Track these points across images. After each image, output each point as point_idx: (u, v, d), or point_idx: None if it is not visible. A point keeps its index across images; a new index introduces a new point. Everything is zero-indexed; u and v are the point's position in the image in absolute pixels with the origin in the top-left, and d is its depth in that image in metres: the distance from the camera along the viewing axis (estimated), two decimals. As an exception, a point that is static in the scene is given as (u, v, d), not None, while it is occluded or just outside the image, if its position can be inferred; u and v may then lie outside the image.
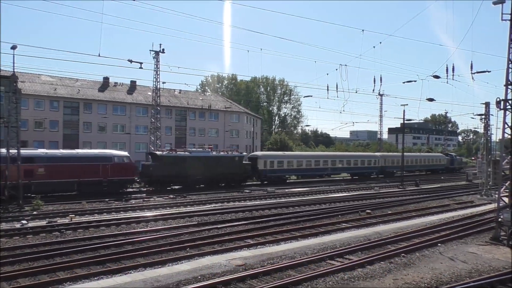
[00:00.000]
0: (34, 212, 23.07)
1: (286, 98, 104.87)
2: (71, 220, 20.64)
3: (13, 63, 25.82)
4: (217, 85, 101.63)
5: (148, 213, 23.37)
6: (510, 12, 16.77)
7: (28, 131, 48.40)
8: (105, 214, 23.54)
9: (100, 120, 55.24)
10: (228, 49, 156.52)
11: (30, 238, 17.15)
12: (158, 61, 43.21)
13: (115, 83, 61.01)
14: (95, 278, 11.87)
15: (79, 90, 54.93)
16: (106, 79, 60.05)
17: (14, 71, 26.36)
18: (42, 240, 16.75)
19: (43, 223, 20.06)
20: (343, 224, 20.75)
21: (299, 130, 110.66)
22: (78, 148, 50.26)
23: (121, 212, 24.13)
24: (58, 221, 20.55)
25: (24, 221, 19.97)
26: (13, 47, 25.26)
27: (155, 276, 11.96)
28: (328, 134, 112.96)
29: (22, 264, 13.22)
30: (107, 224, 19.94)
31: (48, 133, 51.21)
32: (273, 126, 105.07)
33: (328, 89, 31.25)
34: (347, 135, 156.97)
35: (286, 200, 30.44)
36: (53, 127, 51.96)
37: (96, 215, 23.12)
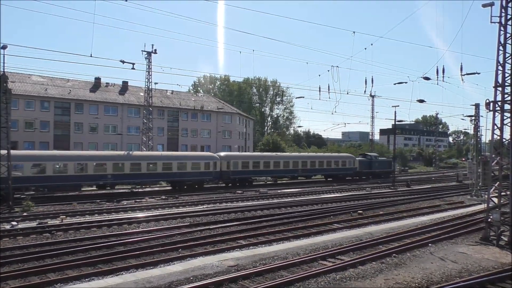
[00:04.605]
0: (24, 213, 22.84)
1: (278, 99, 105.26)
2: (62, 221, 20.49)
3: (3, 63, 25.65)
4: (210, 86, 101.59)
5: (140, 214, 23.25)
6: (499, 15, 17.01)
7: (18, 132, 47.95)
8: (96, 215, 23.39)
9: (91, 120, 54.89)
10: (220, 50, 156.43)
11: (20, 240, 16.98)
12: (150, 62, 43.07)
13: (106, 83, 60.68)
14: (86, 279, 11.79)
15: (70, 90, 54.52)
16: (97, 79, 59.70)
17: (4, 71, 26.11)
18: (32, 241, 16.59)
19: (33, 224, 19.89)
20: (335, 224, 20.83)
21: (292, 131, 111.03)
22: (69, 149, 50.03)
23: (113, 213, 24.00)
24: (49, 222, 20.38)
25: (14, 222, 19.75)
26: (3, 47, 25.06)
27: (146, 277, 11.91)
28: (320, 135, 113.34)
29: (12, 265, 13.08)
30: (99, 225, 19.83)
31: (38, 134, 50.77)
32: (266, 127, 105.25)
33: (320, 90, 31.43)
34: (339, 136, 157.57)
35: (278, 201, 30.49)
36: (43, 127, 51.55)
37: (87, 216, 22.96)
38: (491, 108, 17.48)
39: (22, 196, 27.24)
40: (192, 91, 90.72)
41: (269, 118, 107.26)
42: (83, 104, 54.89)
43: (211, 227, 19.55)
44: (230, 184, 41.19)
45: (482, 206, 23.01)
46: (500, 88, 17.20)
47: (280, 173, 45.99)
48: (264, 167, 43.59)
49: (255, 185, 42.37)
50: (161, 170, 35.54)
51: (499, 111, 17.27)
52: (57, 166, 30.73)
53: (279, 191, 37.30)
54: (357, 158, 54.15)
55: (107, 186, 34.06)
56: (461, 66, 22.59)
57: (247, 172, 42.13)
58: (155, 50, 42.63)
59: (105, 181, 33.11)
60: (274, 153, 50.93)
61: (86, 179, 32.13)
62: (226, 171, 40.01)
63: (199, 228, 19.18)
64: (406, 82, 32.13)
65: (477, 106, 37.12)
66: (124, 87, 62.51)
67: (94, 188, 36.51)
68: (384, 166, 57.21)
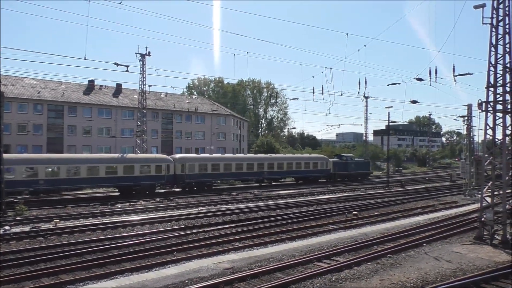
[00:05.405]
0: (17, 218, 22.65)
1: (272, 101, 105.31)
2: (56, 225, 20.35)
3: (-5, 65, 25.34)
4: (204, 88, 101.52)
5: (135, 217, 23.14)
6: (490, 16, 17.17)
7: (11, 135, 47.55)
8: (90, 218, 23.26)
9: (85, 123, 54.60)
10: (215, 52, 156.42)
11: (14, 244, 16.82)
12: (144, 64, 42.92)
13: (100, 86, 60.46)
14: (81, 283, 11.71)
15: (63, 93, 54.22)
16: (91, 82, 59.45)
17: (-4, 74, 25.88)
18: (25, 246, 16.45)
19: (26, 228, 19.72)
20: (330, 226, 20.87)
21: (286, 133, 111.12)
22: (62, 152, 49.71)
23: (107, 217, 23.86)
24: (42, 226, 20.22)
25: (7, 227, 19.59)
26: (-5, 50, 24.83)
27: (141, 281, 11.86)
28: (315, 137, 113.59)
29: (5, 270, 12.95)
30: (93, 228, 19.71)
31: (31, 137, 50.40)
32: (260, 129, 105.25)
33: (314, 92, 31.48)
34: (334, 137, 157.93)
35: (273, 202, 30.48)
36: (36, 130, 51.18)
37: (82, 219, 22.82)
38: (483, 109, 17.63)
39: (15, 200, 27.02)
40: (186, 93, 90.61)
41: (263, 119, 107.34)
42: (76, 106, 54.56)
43: (206, 229, 19.50)
44: (186, 189, 38.16)
45: (476, 206, 23.19)
46: (492, 89, 17.35)
47: (243, 176, 42.77)
48: (225, 170, 40.28)
49: (215, 190, 39.60)
50: (104, 174, 32.50)
51: (491, 111, 17.42)
52: None
53: (274, 192, 37.31)
54: (330, 160, 51.69)
55: (40, 193, 30.85)
56: (454, 67, 22.73)
57: (205, 176, 38.89)
58: (149, 52, 42.52)
59: (37, 187, 29.81)
60: (236, 155, 47.80)
61: (12, 185, 27.95)
62: (181, 174, 37.13)
63: (194, 231, 19.11)
64: (399, 83, 32.20)
65: (469, 106, 37.44)
66: (118, 90, 62.23)
67: (88, 191, 36.36)
68: (361, 167, 54.89)
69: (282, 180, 48.62)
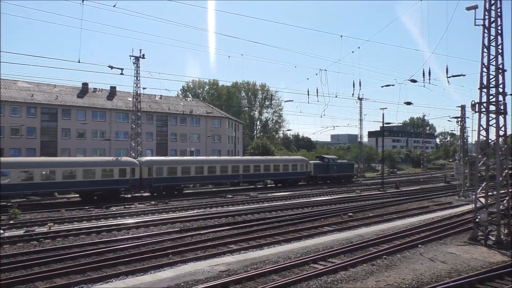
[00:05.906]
0: (11, 221, 22.47)
1: (267, 103, 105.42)
2: (50, 229, 20.22)
3: (-12, 69, 25.15)
4: (198, 91, 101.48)
5: (130, 220, 23.04)
6: (482, 18, 17.32)
7: (4, 139, 47.24)
8: (85, 222, 23.13)
9: (79, 126, 54.31)
10: (209, 54, 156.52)
11: (7, 248, 16.68)
12: (138, 67, 42.79)
13: (94, 89, 60.19)
14: (75, 287, 11.63)
15: (57, 96, 53.92)
16: (85, 85, 59.19)
17: (-11, 77, 25.69)
18: (19, 249, 16.32)
19: (20, 232, 19.58)
20: (326, 227, 20.89)
21: (281, 135, 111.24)
22: (56, 155, 49.40)
23: (102, 220, 23.75)
24: (36, 230, 20.09)
25: (0, 231, 19.43)
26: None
27: (137, 284, 11.81)
28: (310, 138, 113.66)
29: (-1, 275, 12.86)
30: (87, 232, 19.60)
31: (25, 140, 50.04)
32: (255, 131, 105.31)
33: (308, 94, 31.53)
34: (328, 139, 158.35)
35: (268, 204, 30.47)
36: (30, 134, 50.82)
37: (76, 223, 22.70)
38: (476, 110, 17.76)
39: (8, 204, 26.80)
40: (181, 96, 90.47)
41: (258, 122, 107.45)
42: (70, 109, 54.28)
43: (201, 232, 19.45)
44: (155, 194, 36.46)
45: (470, 207, 23.32)
46: (485, 90, 17.48)
47: (217, 179, 41.03)
48: (196, 173, 38.69)
49: (186, 194, 38.30)
50: (61, 179, 30.62)
51: (484, 112, 17.55)
52: None
53: (269, 195, 37.30)
54: (311, 162, 49.93)
55: None
56: (447, 68, 22.91)
57: (175, 179, 37.00)
58: (143, 55, 42.37)
59: None
60: (209, 157, 46.46)
61: None
62: (148, 178, 35.24)
63: (189, 234, 19.08)
64: (393, 85, 32.19)
65: (463, 107, 37.74)
66: (112, 92, 62.02)
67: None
68: (345, 169, 53.23)
69: (257, 184, 46.55)
